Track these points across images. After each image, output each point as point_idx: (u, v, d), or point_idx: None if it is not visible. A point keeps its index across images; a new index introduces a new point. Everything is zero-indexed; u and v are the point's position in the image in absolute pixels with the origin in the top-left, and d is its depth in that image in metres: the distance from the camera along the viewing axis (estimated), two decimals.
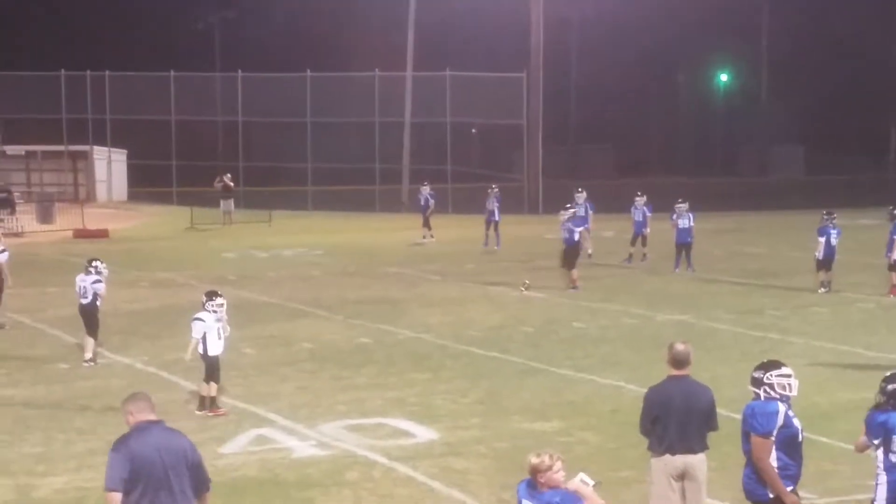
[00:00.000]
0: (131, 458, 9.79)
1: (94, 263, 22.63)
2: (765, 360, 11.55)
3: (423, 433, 17.22)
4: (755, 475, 11.02)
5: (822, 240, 30.08)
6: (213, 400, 18.46)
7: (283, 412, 18.48)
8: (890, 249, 29.37)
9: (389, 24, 68.02)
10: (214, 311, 18.48)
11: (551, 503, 9.37)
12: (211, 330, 18.43)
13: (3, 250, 26.66)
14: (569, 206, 33.06)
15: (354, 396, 19.52)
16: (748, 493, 11.24)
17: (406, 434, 17.20)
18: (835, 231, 30.23)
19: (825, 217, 30.60)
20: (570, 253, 31.59)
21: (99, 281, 22.40)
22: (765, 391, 11.04)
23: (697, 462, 11.84)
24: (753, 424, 10.95)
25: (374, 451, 16.30)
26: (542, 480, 9.42)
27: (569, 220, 31.80)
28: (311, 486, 14.87)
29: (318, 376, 21.13)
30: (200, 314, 18.56)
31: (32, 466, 15.71)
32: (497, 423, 17.73)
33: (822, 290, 29.95)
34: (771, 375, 11.07)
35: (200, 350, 18.54)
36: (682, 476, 11.85)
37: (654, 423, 11.89)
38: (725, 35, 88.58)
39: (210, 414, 18.21)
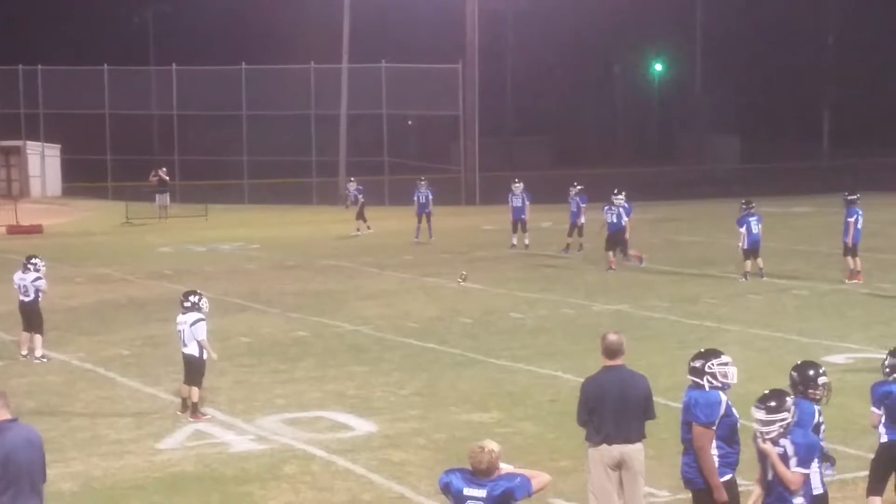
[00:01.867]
0: (4, 461, 9.77)
1: (32, 260, 22.52)
2: (702, 349, 11.61)
3: (362, 426, 17.21)
4: (695, 464, 11.09)
5: (743, 229, 30.16)
6: (194, 405, 17.83)
7: (221, 407, 18.41)
8: (846, 234, 29.56)
9: (324, 16, 67.69)
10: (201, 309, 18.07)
11: (511, 487, 9.21)
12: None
13: None
14: (616, 191, 33.34)
15: (293, 390, 19.49)
16: (687, 482, 11.31)
17: (345, 427, 17.19)
18: (754, 219, 30.27)
19: (743, 206, 30.66)
20: (615, 238, 32.62)
21: (40, 278, 22.30)
22: (708, 380, 11.08)
23: (634, 451, 11.89)
24: (696, 414, 11.00)
25: (313, 444, 16.29)
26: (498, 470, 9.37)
27: (619, 206, 32.67)
28: (250, 480, 14.83)
29: (256, 370, 21.07)
30: (199, 314, 17.85)
31: None
32: (436, 414, 17.76)
33: (743, 279, 30.07)
34: (713, 364, 11.11)
35: (196, 353, 17.82)
36: (620, 466, 11.90)
37: (590, 414, 11.93)
38: (660, 25, 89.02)
39: (191, 419, 17.66)
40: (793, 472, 10.12)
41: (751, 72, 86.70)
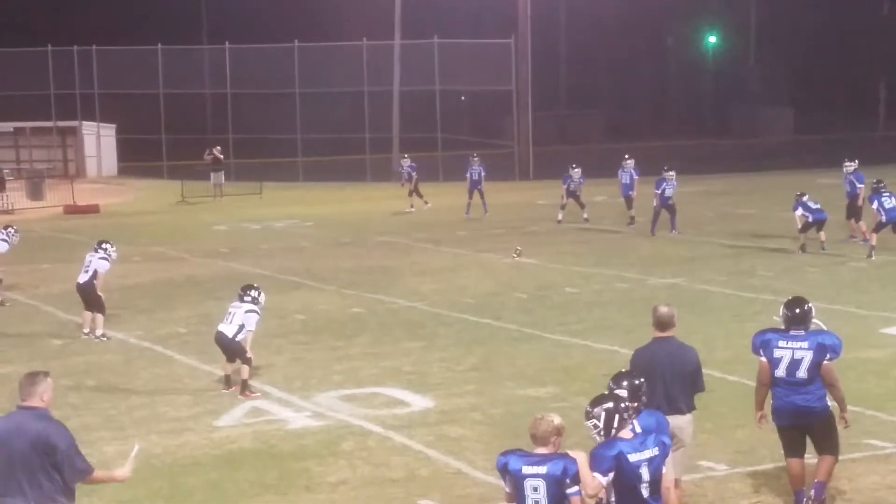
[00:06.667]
0: None
1: (103, 245, 22.75)
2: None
3: (418, 401, 17.25)
4: (823, 396, 11.99)
5: (797, 213, 30.29)
6: (244, 382, 17.96)
7: (278, 384, 18.50)
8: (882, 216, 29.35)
9: None
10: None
11: (569, 463, 9.21)
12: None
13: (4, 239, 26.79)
14: (848, 160, 33.68)
15: (349, 366, 19.54)
16: (810, 413, 11.97)
17: (401, 403, 17.23)
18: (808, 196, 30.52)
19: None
20: (853, 206, 32.57)
21: (105, 259, 22.42)
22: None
23: (684, 423, 11.90)
24: (839, 352, 12.01)
25: (369, 420, 16.34)
26: (555, 442, 9.34)
27: (852, 173, 32.83)
28: (307, 456, 14.90)
29: (311, 347, 21.14)
30: (255, 307, 18.16)
31: None
32: (492, 389, 17.77)
33: (800, 252, 29.89)
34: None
35: (230, 333, 18.05)
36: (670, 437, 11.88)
37: None
38: None
39: (241, 397, 17.78)
40: (592, 478, 9.46)
41: (804, 43, 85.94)
